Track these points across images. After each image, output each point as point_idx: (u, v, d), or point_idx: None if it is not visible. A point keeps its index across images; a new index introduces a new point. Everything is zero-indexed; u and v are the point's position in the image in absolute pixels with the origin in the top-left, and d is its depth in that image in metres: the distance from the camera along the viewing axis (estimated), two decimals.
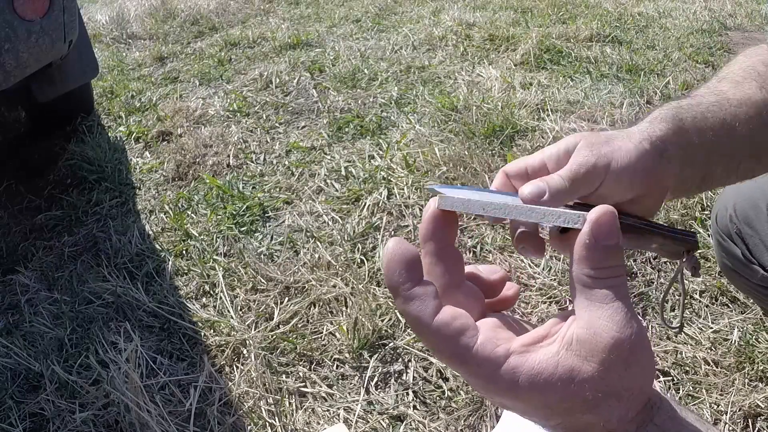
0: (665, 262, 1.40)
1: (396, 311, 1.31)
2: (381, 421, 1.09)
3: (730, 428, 1.04)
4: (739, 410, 1.06)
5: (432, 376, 1.17)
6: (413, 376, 1.17)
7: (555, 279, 1.36)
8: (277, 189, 1.81)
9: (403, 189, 1.70)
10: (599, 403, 0.32)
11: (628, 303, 0.32)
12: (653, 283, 1.34)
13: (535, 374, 0.32)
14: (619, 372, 0.31)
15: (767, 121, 0.57)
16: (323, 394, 1.16)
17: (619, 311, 0.32)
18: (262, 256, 1.52)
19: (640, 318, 1.24)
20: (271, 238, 1.60)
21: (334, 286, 1.38)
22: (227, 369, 1.23)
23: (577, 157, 0.47)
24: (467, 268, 0.40)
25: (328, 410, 1.13)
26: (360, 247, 1.50)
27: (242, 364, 1.23)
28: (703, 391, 1.10)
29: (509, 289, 0.41)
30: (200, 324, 1.34)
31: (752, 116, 0.55)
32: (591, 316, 0.32)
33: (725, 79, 0.59)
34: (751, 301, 1.27)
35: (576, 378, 0.31)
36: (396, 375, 1.18)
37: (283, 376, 1.20)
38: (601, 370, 0.31)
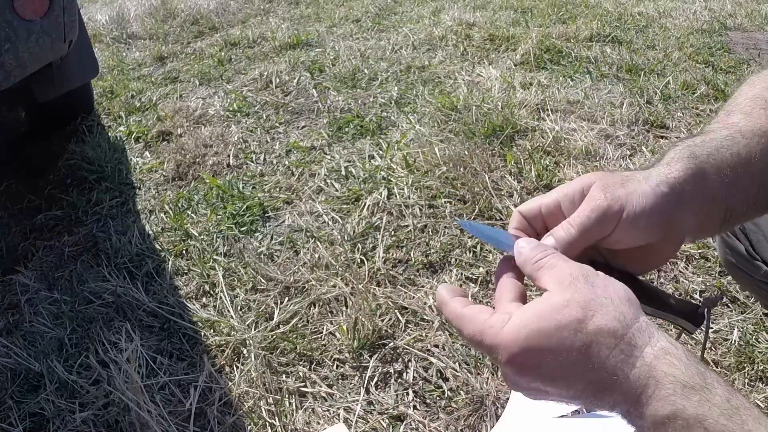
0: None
1: (396, 311, 1.31)
2: (381, 421, 1.09)
3: None
4: None
5: (432, 376, 1.17)
6: (413, 376, 1.17)
7: None
8: (277, 189, 1.81)
9: (403, 189, 1.70)
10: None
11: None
12: (653, 282, 1.34)
13: (529, 317, 0.42)
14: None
15: None
16: (323, 394, 1.16)
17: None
18: (262, 256, 1.52)
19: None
20: (271, 238, 1.60)
21: (334, 286, 1.38)
22: (227, 369, 1.23)
23: (589, 201, 0.48)
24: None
25: (328, 410, 1.13)
26: (360, 247, 1.50)
27: (242, 364, 1.23)
28: None
29: None
30: (200, 324, 1.34)
31: (766, 146, 0.54)
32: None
33: (734, 111, 0.58)
34: (752, 300, 1.27)
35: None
36: (396, 375, 1.18)
37: (283, 376, 1.20)
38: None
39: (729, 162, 0.52)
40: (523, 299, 0.47)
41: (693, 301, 0.51)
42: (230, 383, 1.19)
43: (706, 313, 0.49)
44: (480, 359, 1.18)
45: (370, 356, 1.22)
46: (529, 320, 0.41)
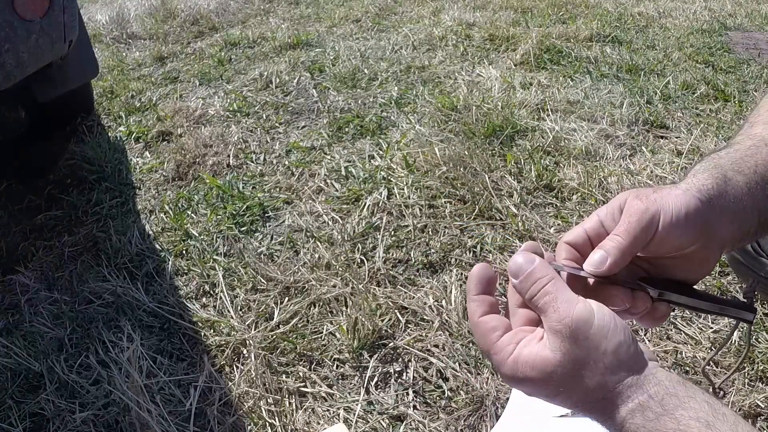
0: None
1: (396, 311, 1.31)
2: (381, 421, 1.09)
3: None
4: (739, 410, 1.06)
5: (432, 376, 1.17)
6: (413, 376, 1.17)
7: None
8: (277, 189, 1.81)
9: (403, 189, 1.70)
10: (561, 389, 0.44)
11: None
12: None
13: (524, 362, 0.45)
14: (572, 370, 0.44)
15: None
16: (323, 394, 1.16)
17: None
18: (262, 256, 1.52)
19: None
20: (271, 238, 1.60)
21: (334, 286, 1.38)
22: (227, 369, 1.23)
23: (628, 210, 0.50)
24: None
25: (328, 410, 1.13)
26: (360, 247, 1.50)
27: (242, 364, 1.23)
28: None
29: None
30: (200, 324, 1.34)
31: None
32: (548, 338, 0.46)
33: (756, 123, 0.60)
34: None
35: (548, 368, 0.44)
36: (396, 375, 1.18)
37: (283, 376, 1.20)
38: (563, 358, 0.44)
39: (755, 168, 0.54)
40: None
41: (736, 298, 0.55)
42: (230, 383, 1.19)
43: (752, 300, 0.55)
44: (480, 359, 1.18)
45: (370, 356, 1.22)
46: (523, 367, 0.45)
